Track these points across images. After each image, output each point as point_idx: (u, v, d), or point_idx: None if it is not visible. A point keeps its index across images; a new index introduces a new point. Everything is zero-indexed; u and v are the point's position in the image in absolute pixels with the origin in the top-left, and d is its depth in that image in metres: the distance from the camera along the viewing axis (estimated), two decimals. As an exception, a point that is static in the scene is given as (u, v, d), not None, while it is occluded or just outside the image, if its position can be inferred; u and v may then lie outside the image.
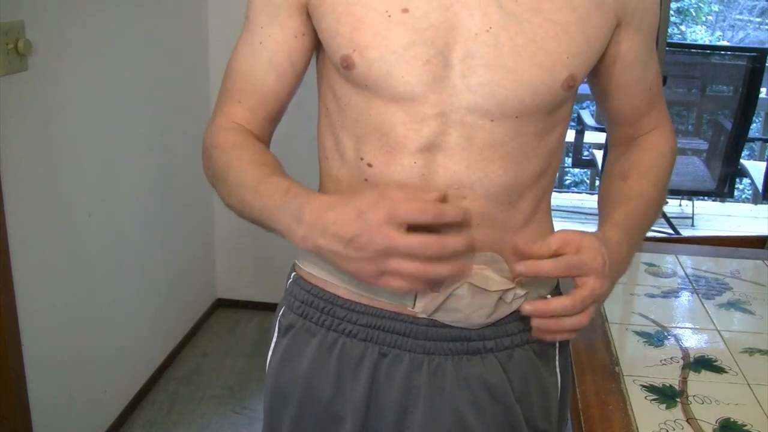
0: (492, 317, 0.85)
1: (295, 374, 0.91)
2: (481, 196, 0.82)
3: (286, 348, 0.92)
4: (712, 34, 7.68)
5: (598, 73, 0.92)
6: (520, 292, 0.86)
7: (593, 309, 0.81)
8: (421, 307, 0.85)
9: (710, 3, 7.65)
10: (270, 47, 0.87)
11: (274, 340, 0.95)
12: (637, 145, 0.97)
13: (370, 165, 0.83)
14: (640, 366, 1.17)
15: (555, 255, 0.78)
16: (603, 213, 0.93)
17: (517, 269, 0.77)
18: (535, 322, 0.80)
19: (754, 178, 3.92)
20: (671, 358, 1.20)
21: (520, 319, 0.87)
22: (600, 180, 1.00)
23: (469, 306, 0.84)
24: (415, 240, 0.72)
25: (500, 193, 0.83)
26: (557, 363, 0.94)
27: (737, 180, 3.98)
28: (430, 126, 0.80)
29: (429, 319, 0.86)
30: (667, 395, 1.09)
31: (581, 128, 4.22)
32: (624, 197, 0.92)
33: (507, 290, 0.85)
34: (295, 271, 0.95)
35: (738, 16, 7.87)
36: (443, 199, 0.79)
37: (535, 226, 0.89)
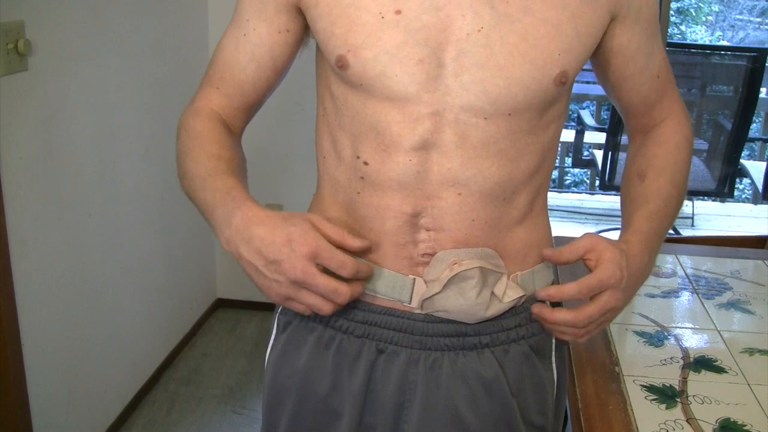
0: (488, 313, 0.86)
1: (293, 369, 0.92)
2: (475, 193, 0.83)
3: (284, 344, 0.94)
4: (712, 34, 7.69)
5: (602, 67, 0.93)
6: (512, 293, 0.86)
7: (602, 319, 0.85)
8: (417, 303, 0.86)
9: (710, 3, 7.65)
10: (253, 40, 0.89)
11: (273, 336, 0.97)
12: (652, 139, 0.97)
13: (366, 163, 0.84)
14: (640, 366, 1.17)
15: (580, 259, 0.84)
16: (624, 216, 0.94)
17: (541, 295, 0.84)
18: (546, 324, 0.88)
19: (754, 178, 3.93)
20: (671, 358, 1.20)
21: (516, 314, 0.88)
22: (621, 178, 1.01)
23: (467, 293, 0.84)
24: (329, 285, 0.77)
25: (495, 189, 0.84)
26: (553, 358, 0.95)
27: (737, 180, 3.98)
28: (424, 124, 0.81)
29: (425, 315, 0.87)
30: (667, 395, 1.09)
31: (581, 128, 4.22)
32: (642, 199, 0.92)
33: (498, 275, 0.86)
34: None
35: (738, 16, 7.87)
36: (365, 247, 0.83)
37: (531, 223, 0.90)
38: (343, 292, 0.78)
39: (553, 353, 0.95)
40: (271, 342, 0.97)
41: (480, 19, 0.79)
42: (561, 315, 0.84)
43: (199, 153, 0.88)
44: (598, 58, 0.92)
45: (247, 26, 0.89)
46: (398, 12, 0.79)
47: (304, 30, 0.89)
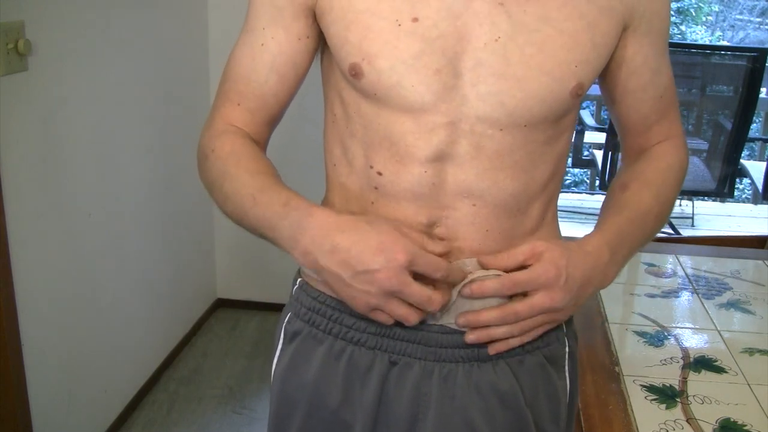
0: None
1: (302, 381, 0.89)
2: (489, 204, 0.82)
3: (292, 355, 0.91)
4: (712, 34, 7.69)
5: (605, 77, 0.91)
6: None
7: (539, 320, 0.81)
8: (433, 314, 0.84)
9: (710, 3, 7.65)
10: (272, 49, 0.85)
11: (280, 346, 0.94)
12: (644, 157, 0.94)
13: (380, 173, 0.82)
14: (640, 366, 1.17)
15: (523, 266, 0.80)
16: (597, 222, 0.91)
17: (465, 292, 0.80)
18: (469, 335, 0.82)
19: (754, 178, 3.92)
20: (671, 358, 1.20)
21: None
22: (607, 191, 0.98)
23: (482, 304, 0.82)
24: (425, 293, 0.75)
25: (509, 201, 0.83)
26: (566, 368, 0.93)
27: (737, 180, 3.98)
28: (439, 135, 0.79)
29: (440, 326, 0.85)
30: (667, 395, 1.09)
31: (581, 128, 4.21)
32: (618, 206, 0.89)
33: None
34: (301, 276, 0.93)
35: (738, 16, 7.87)
36: (448, 251, 0.81)
37: (544, 232, 0.88)
38: (436, 299, 0.76)
39: (566, 362, 0.93)
40: (278, 353, 0.94)
41: (497, 28, 0.77)
42: (489, 314, 0.80)
43: (238, 172, 0.83)
44: (604, 69, 0.88)
45: (264, 35, 0.84)
46: (415, 20, 0.77)
47: (322, 35, 0.85)
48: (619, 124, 0.96)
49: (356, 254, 0.73)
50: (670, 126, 0.95)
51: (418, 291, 0.75)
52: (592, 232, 0.86)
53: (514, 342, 0.83)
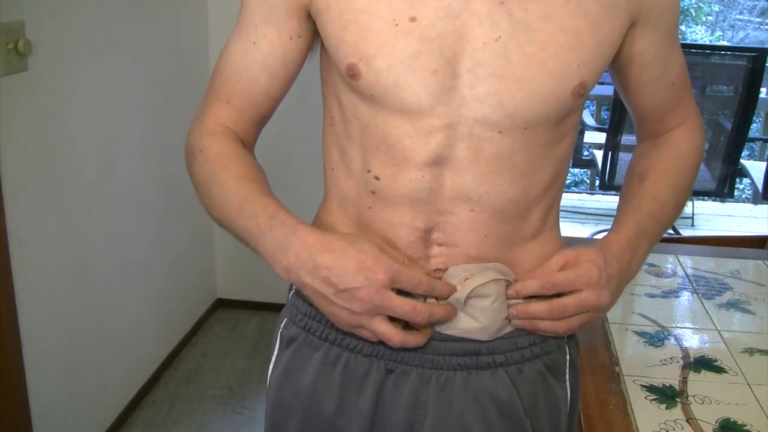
0: (504, 330, 0.84)
1: (297, 388, 0.89)
2: (488, 209, 0.81)
3: (288, 361, 0.90)
4: (712, 34, 7.69)
5: (617, 73, 0.90)
6: None
7: (583, 318, 0.82)
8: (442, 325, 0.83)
9: (710, 3, 7.65)
10: (264, 48, 0.84)
11: (276, 352, 0.93)
12: (660, 143, 0.95)
13: (377, 178, 0.82)
14: (640, 366, 1.17)
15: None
16: (616, 215, 0.92)
17: (508, 293, 0.81)
18: (516, 323, 0.84)
19: (754, 178, 3.93)
20: (671, 358, 1.20)
21: (531, 332, 0.86)
22: (624, 179, 0.99)
23: (483, 312, 0.82)
24: (408, 305, 0.76)
25: (508, 205, 0.82)
26: (567, 376, 0.92)
27: (737, 180, 3.98)
28: (437, 138, 0.78)
29: (437, 333, 0.84)
30: (667, 395, 1.09)
31: (581, 128, 4.22)
32: (637, 200, 0.90)
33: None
34: None
35: (738, 16, 7.87)
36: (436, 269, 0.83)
37: (544, 237, 0.87)
38: (422, 309, 0.76)
39: (567, 370, 0.92)
40: (274, 358, 0.93)
41: (497, 27, 0.76)
42: (536, 306, 0.81)
43: (225, 177, 0.82)
44: (614, 63, 0.88)
45: (256, 33, 0.84)
46: (413, 19, 0.76)
47: (314, 35, 0.85)
48: (634, 112, 0.96)
49: (337, 273, 0.74)
50: (684, 110, 0.95)
51: (401, 304, 0.75)
52: (613, 231, 0.87)
53: (546, 326, 0.84)
